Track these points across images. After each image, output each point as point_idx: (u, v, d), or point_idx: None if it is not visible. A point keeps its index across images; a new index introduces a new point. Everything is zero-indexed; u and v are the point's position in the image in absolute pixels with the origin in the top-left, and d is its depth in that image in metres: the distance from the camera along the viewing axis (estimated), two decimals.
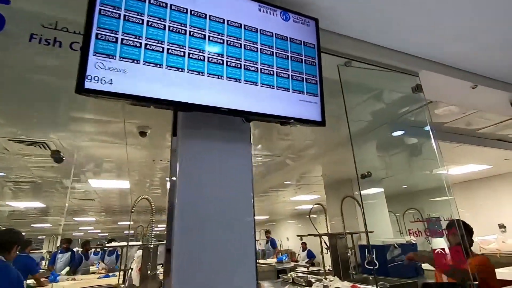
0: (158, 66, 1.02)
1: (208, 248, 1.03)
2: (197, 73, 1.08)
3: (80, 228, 15.71)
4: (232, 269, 1.04)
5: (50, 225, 12.89)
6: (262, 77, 1.20)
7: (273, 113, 1.19)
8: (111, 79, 0.94)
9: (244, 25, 1.22)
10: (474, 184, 6.63)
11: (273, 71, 1.23)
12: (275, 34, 1.29)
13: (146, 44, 1.02)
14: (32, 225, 12.60)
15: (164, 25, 1.07)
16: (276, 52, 1.27)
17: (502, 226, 5.80)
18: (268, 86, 1.21)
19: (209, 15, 1.16)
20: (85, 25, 0.95)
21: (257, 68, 1.20)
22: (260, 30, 1.25)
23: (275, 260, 8.35)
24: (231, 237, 1.08)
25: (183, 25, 1.10)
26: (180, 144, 1.11)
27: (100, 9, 0.98)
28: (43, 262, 8.61)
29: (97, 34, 0.96)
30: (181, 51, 1.07)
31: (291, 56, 1.30)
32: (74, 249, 7.12)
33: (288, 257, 9.28)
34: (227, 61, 1.14)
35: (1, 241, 2.39)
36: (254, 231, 1.14)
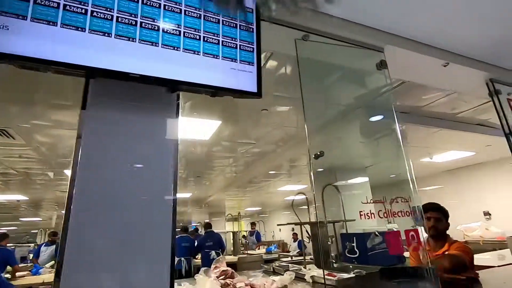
0: (52, 23, 0.89)
1: (112, 241, 0.91)
2: (102, 33, 0.95)
3: None
4: (142, 267, 0.92)
5: (40, 219, 12.78)
6: (185, 41, 1.08)
7: (198, 82, 1.07)
8: None
9: None
10: (460, 172, 6.59)
11: (199, 36, 1.11)
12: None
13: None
14: (20, 218, 12.47)
15: None
16: (204, 15, 1.14)
17: (487, 214, 5.78)
18: (192, 52, 1.08)
19: None
20: None
21: (179, 31, 1.07)
22: None
23: (264, 251, 8.34)
24: (142, 229, 0.95)
25: None
26: (86, 118, 0.98)
27: None
28: (31, 255, 8.54)
29: None
30: (81, 8, 0.94)
31: (222, 21, 1.17)
32: None
33: (279, 247, 9.28)
34: (141, 22, 1.02)
35: None
36: (174, 221, 1.00)
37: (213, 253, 5.80)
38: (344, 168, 5.79)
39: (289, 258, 6.23)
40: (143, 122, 1.07)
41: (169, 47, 1.05)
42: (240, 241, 7.90)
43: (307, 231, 4.80)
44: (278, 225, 4.71)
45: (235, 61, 1.16)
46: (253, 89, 1.17)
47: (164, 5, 1.07)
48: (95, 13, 0.96)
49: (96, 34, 0.95)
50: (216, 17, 1.16)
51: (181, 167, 5.75)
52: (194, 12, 1.12)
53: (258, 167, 5.91)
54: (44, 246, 6.59)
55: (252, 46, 1.21)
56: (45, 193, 7.38)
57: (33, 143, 3.51)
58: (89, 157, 0.95)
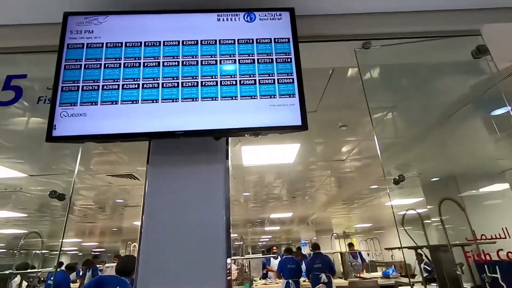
0: (114, 103, 1.08)
1: (173, 272, 1.00)
2: (151, 101, 1.09)
3: None
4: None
5: None
6: (222, 90, 1.11)
7: (237, 127, 1.08)
8: (73, 124, 1.05)
9: (201, 41, 1.17)
10: None
11: (235, 81, 1.13)
12: (238, 40, 1.18)
13: (102, 86, 1.10)
14: None
15: (120, 63, 1.13)
16: (239, 60, 1.15)
17: None
18: (230, 98, 1.11)
19: (163, 42, 1.16)
20: (54, 81, 1.10)
21: (216, 81, 1.12)
22: (220, 40, 1.18)
23: (379, 274, 7.39)
24: (197, 260, 1.02)
25: (137, 58, 1.14)
26: (148, 171, 1.13)
27: (65, 65, 1.12)
28: None
29: (62, 87, 1.09)
30: (135, 84, 1.10)
31: (257, 59, 1.16)
32: None
33: (400, 270, 8.05)
34: (182, 83, 1.11)
35: (125, 268, 2.63)
36: (228, 253, 1.04)
37: (323, 276, 5.51)
38: (468, 176, 4.64)
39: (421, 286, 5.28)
40: (192, 172, 1.14)
41: (208, 99, 1.10)
42: (350, 263, 7.27)
43: (426, 256, 4.00)
44: (386, 249, 4.11)
45: (273, 97, 1.11)
46: (297, 122, 1.09)
47: (202, 61, 1.14)
48: (145, 85, 1.11)
49: (146, 103, 1.09)
50: (251, 57, 1.16)
51: (276, 189, 5.86)
52: (229, 59, 1.15)
53: (357, 182, 5.43)
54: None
55: (292, 77, 1.14)
56: None
57: None
58: (153, 199, 1.12)
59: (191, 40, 1.17)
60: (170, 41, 1.16)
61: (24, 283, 3.97)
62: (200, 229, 1.06)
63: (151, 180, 1.13)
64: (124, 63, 1.13)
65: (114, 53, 1.14)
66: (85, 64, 1.12)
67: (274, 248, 8.25)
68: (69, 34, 1.16)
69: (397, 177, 1.41)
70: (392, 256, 11.85)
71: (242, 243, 7.59)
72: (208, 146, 1.18)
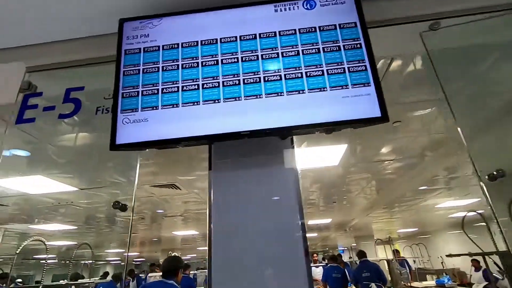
0: (175, 106, 1.03)
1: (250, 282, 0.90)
2: (212, 101, 1.02)
3: None
4: None
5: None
6: (287, 84, 1.02)
7: (307, 123, 0.97)
8: (136, 130, 1.01)
9: (260, 34, 1.09)
10: None
11: (301, 73, 1.02)
12: (299, 30, 1.08)
13: (162, 89, 1.05)
14: (197, 248, 15.37)
15: (178, 65, 1.08)
16: (302, 50, 1.06)
17: None
18: (297, 93, 1.00)
19: (220, 39, 1.10)
20: (114, 88, 1.07)
21: (280, 76, 1.03)
22: (279, 32, 1.09)
23: (431, 283, 6.81)
24: (275, 272, 0.91)
25: (194, 58, 1.08)
26: (212, 177, 1.06)
27: (124, 71, 1.09)
28: None
29: (122, 94, 1.06)
30: (194, 85, 1.05)
31: (323, 48, 1.05)
32: None
33: (454, 279, 7.37)
34: (243, 80, 1.03)
35: (171, 267, 2.69)
36: (307, 262, 0.92)
37: (373, 285, 5.15)
38: None
39: None
40: (260, 174, 1.05)
41: (272, 95, 1.01)
42: (399, 272, 6.77)
43: (495, 263, 3.57)
44: (448, 255, 3.74)
45: (346, 88, 0.99)
46: (375, 113, 0.96)
47: (262, 56, 1.06)
48: (205, 85, 1.04)
49: (208, 103, 1.02)
50: (315, 47, 1.05)
51: (314, 194, 5.64)
52: (291, 51, 1.06)
53: (404, 183, 5.06)
54: None
55: (364, 64, 1.02)
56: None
57: (192, 190, 4.31)
58: (220, 205, 1.04)
59: (249, 35, 1.09)
60: (227, 38, 1.10)
61: None
62: (275, 235, 0.96)
63: (217, 186, 1.05)
64: (182, 64, 1.08)
65: (171, 55, 1.10)
66: (143, 69, 1.09)
67: (315, 255, 7.94)
68: (125, 40, 1.14)
69: (494, 173, 1.21)
70: (442, 263, 10.92)
71: None
72: (273, 146, 1.08)
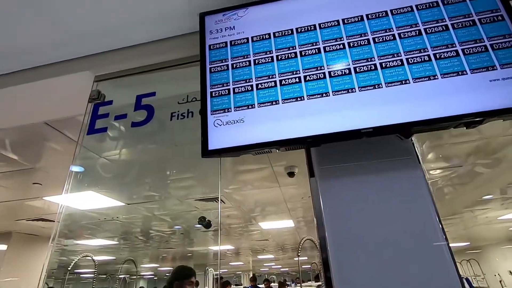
0: (274, 103, 0.88)
1: None
2: (319, 95, 0.86)
3: (264, 264, 17.55)
4: None
5: (242, 263, 15.08)
6: (412, 70, 0.83)
7: (443, 115, 0.77)
8: (230, 133, 0.87)
9: (367, 15, 0.92)
10: None
11: (427, 56, 0.83)
12: (416, 6, 0.90)
13: (257, 85, 0.91)
14: (230, 263, 15.13)
15: (272, 57, 0.93)
16: (425, 29, 0.87)
17: None
18: (427, 78, 0.81)
19: (318, 24, 0.94)
20: (200, 87, 0.94)
21: (401, 61, 0.85)
22: (392, 11, 0.91)
23: None
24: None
25: (291, 48, 0.93)
26: (319, 186, 0.88)
27: (210, 68, 0.97)
28: None
29: (211, 93, 0.93)
30: (295, 77, 0.89)
31: (452, 25, 0.86)
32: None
33: None
34: (354, 68, 0.86)
35: (169, 280, 2.30)
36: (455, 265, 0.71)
37: None
38: None
39: None
40: (378, 182, 0.85)
41: (396, 83, 0.82)
42: None
43: None
44: None
45: (493, 69, 0.79)
46: None
47: (374, 39, 0.89)
48: (308, 77, 0.88)
49: (314, 98, 0.86)
50: (440, 24, 0.86)
51: None
52: (410, 31, 0.87)
53: (463, 194, 4.57)
54: None
55: (511, 39, 0.81)
56: (243, 242, 8.64)
57: (235, 204, 4.16)
58: (334, 216, 0.85)
59: (353, 17, 0.93)
60: (328, 22, 0.94)
61: None
62: (409, 248, 0.76)
63: (327, 195, 0.86)
64: (277, 56, 0.93)
65: (262, 46, 0.96)
66: (232, 64, 0.95)
67: None
68: (209, 35, 1.02)
69: None
70: (500, 281, 9.80)
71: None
72: (391, 148, 0.88)
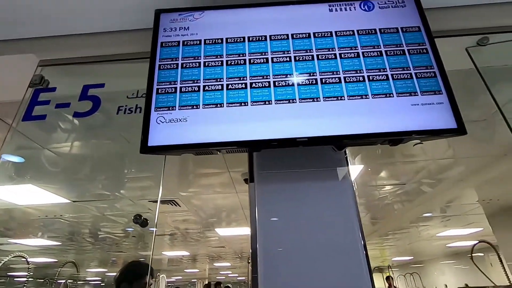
0: (219, 106, 0.89)
1: None
2: (262, 103, 0.89)
3: (221, 272, 17.24)
4: None
5: (197, 270, 14.66)
6: (348, 87, 0.90)
7: (372, 132, 0.85)
8: (172, 131, 0.87)
9: (314, 33, 0.99)
10: None
11: (362, 77, 0.91)
12: (357, 31, 0.99)
13: (204, 87, 0.92)
14: (185, 270, 14.64)
15: (222, 61, 0.96)
16: (362, 53, 0.95)
17: None
18: (359, 97, 0.89)
19: (269, 36, 0.99)
20: (147, 83, 0.93)
21: (339, 78, 0.91)
22: (336, 32, 0.99)
23: None
24: None
25: (241, 55, 0.96)
26: (256, 191, 0.90)
27: (159, 65, 0.96)
28: None
29: (157, 89, 0.92)
30: (242, 83, 0.92)
31: (386, 51, 0.95)
32: None
33: None
34: (298, 81, 0.91)
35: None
36: (370, 276, 0.76)
37: None
38: None
39: None
40: (313, 184, 0.90)
41: (331, 99, 0.89)
42: None
43: None
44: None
45: (415, 95, 0.88)
46: (451, 124, 0.85)
47: (317, 55, 0.95)
48: (253, 84, 0.92)
49: (257, 104, 0.89)
50: (377, 49, 0.95)
51: None
52: (350, 53, 0.95)
53: (405, 211, 4.93)
54: None
55: (432, 71, 0.92)
56: (200, 248, 8.43)
57: (192, 208, 4.08)
58: (266, 221, 0.88)
59: (302, 33, 0.99)
60: (278, 35, 0.99)
61: None
62: (334, 259, 0.80)
63: (262, 200, 0.90)
64: (227, 61, 0.96)
65: (214, 50, 0.98)
66: (182, 63, 0.96)
67: None
68: (162, 32, 1.02)
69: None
70: None
71: None
72: (326, 158, 0.94)
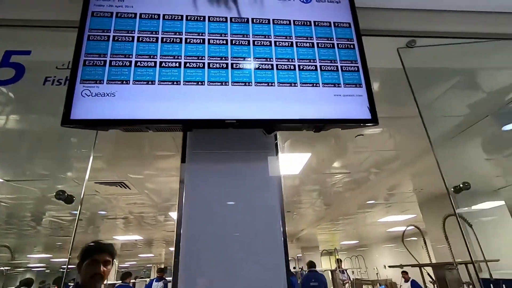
0: (150, 83, 0.88)
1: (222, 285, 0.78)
2: (195, 83, 0.90)
3: None
4: None
5: (153, 255, 14.41)
6: (279, 75, 0.95)
7: (298, 117, 0.91)
8: (98, 105, 0.84)
9: (252, 19, 1.01)
10: None
11: (293, 66, 0.96)
12: (293, 21, 1.03)
13: (136, 62, 0.90)
14: (139, 255, 14.30)
15: (157, 38, 0.94)
16: (296, 42, 1.00)
17: None
18: (288, 85, 0.94)
19: (208, 17, 0.99)
20: (74, 53, 0.88)
21: (272, 65, 0.95)
22: (273, 20, 1.02)
23: None
24: (253, 275, 0.81)
25: (178, 33, 0.95)
26: (186, 172, 0.92)
27: (89, 35, 0.91)
28: None
29: (85, 61, 0.88)
30: (175, 62, 0.91)
31: (317, 43, 1.01)
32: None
33: None
34: (232, 64, 0.94)
35: None
36: (288, 271, 0.84)
37: None
38: (466, 193, 4.68)
39: None
40: (240, 171, 0.95)
41: (263, 84, 0.93)
42: (342, 281, 7.07)
43: (428, 274, 3.90)
44: (390, 266, 3.98)
45: (338, 86, 0.96)
46: (366, 115, 0.94)
47: (253, 41, 0.98)
48: (188, 64, 0.92)
49: (190, 84, 0.90)
50: (310, 41, 1.01)
51: None
52: (285, 41, 0.99)
53: (352, 197, 5.33)
54: (155, 281, 7.19)
55: (356, 65, 1.00)
56: (155, 233, 8.29)
57: (143, 191, 3.97)
58: (193, 203, 0.91)
59: (241, 18, 1.00)
60: (217, 17, 0.99)
61: None
62: (253, 239, 0.86)
63: (191, 180, 0.92)
64: (162, 38, 0.94)
65: (150, 25, 0.95)
66: (114, 36, 0.92)
67: None
68: (94, 1, 0.96)
69: (460, 185, 1.28)
70: (377, 274, 11.77)
71: None
72: (256, 141, 0.99)
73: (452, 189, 1.36)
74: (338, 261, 8.81)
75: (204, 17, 0.99)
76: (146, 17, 0.96)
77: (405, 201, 5.95)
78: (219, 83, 0.91)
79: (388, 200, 5.92)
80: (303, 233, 9.84)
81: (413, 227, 4.07)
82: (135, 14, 0.96)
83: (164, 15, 0.97)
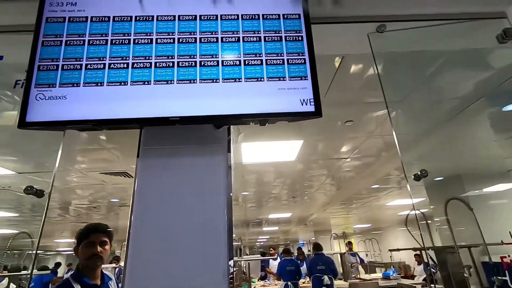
0: (99, 84, 0.94)
1: (166, 280, 0.86)
2: (142, 83, 0.94)
3: None
4: None
5: None
6: (224, 71, 0.97)
7: (241, 113, 0.94)
8: (51, 108, 0.91)
9: (200, 16, 1.03)
10: None
11: (239, 61, 0.98)
12: (242, 15, 1.04)
13: (86, 65, 0.95)
14: None
15: (106, 40, 0.98)
16: (243, 37, 1.01)
17: None
18: (233, 81, 0.96)
19: (157, 16, 1.02)
20: (29, 58, 0.95)
21: (217, 61, 0.98)
22: (221, 16, 1.03)
23: (379, 275, 7.27)
24: (195, 266, 0.88)
25: (126, 34, 0.99)
26: (138, 165, 0.99)
27: (43, 41, 0.97)
28: None
29: (39, 66, 0.94)
30: (124, 63, 0.96)
31: (264, 37, 1.02)
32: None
33: (401, 271, 7.96)
34: (178, 62, 0.97)
35: None
36: (230, 255, 0.90)
37: (325, 278, 5.32)
38: (475, 175, 4.54)
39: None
40: (192, 162, 1.00)
41: (208, 81, 0.96)
42: (350, 264, 7.14)
43: (431, 258, 3.89)
44: (390, 250, 4.00)
45: (283, 80, 0.97)
46: (309, 108, 0.95)
47: (200, 38, 1.00)
48: (135, 64, 0.96)
49: (137, 84, 0.94)
50: (257, 35, 1.02)
51: (275, 188, 5.72)
52: (231, 37, 1.01)
53: (358, 181, 5.30)
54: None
55: (303, 57, 1.00)
56: None
57: None
58: (144, 196, 0.97)
59: (188, 15, 1.03)
60: (164, 16, 1.02)
61: (12, 286, 3.79)
62: (198, 231, 0.92)
63: (142, 175, 0.98)
64: (112, 40, 0.98)
65: (100, 28, 0.99)
66: (66, 41, 0.97)
67: (272, 249, 8.09)
68: (48, 7, 1.01)
69: (418, 173, 1.27)
70: (391, 257, 11.76)
71: (240, 243, 7.44)
72: (207, 136, 1.03)
73: (413, 177, 1.35)
74: (349, 244, 8.87)
75: (152, 16, 1.02)
76: (97, 20, 1.00)
77: (416, 185, 5.86)
78: (165, 82, 0.95)
79: (398, 184, 5.85)
80: (314, 217, 9.92)
81: (416, 210, 4.03)
82: (86, 17, 1.00)
83: (114, 17, 1.01)
